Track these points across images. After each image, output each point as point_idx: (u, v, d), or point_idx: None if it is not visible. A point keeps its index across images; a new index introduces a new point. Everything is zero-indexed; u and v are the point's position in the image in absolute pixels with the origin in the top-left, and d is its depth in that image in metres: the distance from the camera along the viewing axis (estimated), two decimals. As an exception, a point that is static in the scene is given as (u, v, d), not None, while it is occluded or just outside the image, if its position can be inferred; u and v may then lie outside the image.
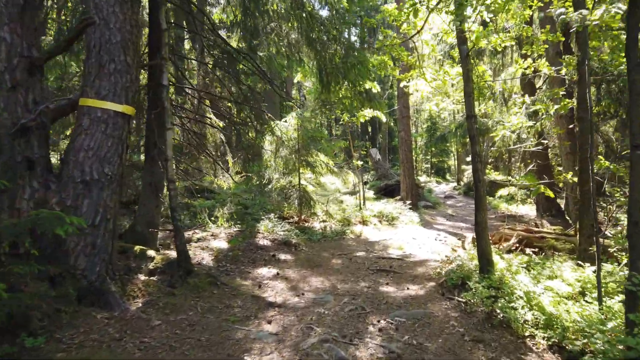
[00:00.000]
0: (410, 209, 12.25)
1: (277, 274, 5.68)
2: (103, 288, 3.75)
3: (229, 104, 8.24)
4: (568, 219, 11.95)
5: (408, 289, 5.14)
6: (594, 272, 4.18)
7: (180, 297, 4.30)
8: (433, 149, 37.87)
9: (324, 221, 9.15)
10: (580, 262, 5.24)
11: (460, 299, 4.56)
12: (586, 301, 4.01)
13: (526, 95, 9.57)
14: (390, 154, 24.92)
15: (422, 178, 34.73)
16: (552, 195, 8.03)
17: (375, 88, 9.51)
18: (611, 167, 5.49)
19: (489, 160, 24.40)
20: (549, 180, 8.85)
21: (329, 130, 28.54)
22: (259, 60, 7.44)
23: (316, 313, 4.16)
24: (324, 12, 9.26)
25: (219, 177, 9.08)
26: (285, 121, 8.79)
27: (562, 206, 12.24)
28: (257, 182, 8.47)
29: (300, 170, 9.06)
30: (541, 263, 5.34)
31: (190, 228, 7.45)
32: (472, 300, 4.26)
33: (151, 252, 5.12)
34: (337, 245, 7.69)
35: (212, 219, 7.73)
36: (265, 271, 5.77)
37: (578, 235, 6.29)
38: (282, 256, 6.58)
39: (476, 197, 5.46)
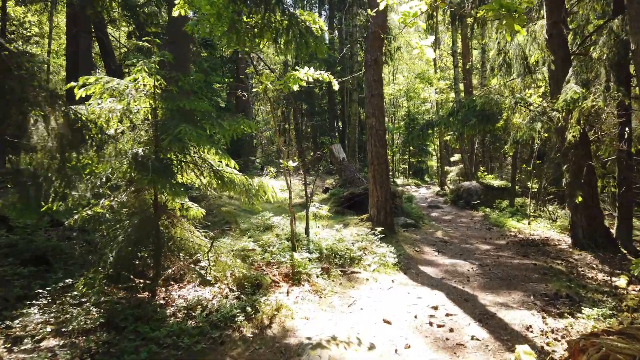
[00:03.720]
0: (382, 236, 7.80)
1: None
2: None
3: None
4: (624, 252, 7.79)
5: None
6: None
7: None
8: (411, 147, 33.99)
9: (207, 283, 4.54)
10: None
11: None
12: None
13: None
14: (361, 153, 20.49)
15: (400, 180, 30.68)
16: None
17: (314, 22, 5.00)
18: None
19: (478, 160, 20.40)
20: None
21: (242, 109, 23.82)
22: None
23: None
24: None
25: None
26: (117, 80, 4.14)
27: (613, 232, 8.05)
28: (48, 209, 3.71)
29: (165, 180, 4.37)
30: None
31: None
32: None
33: None
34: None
35: None
36: None
37: None
38: None
39: None
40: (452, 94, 18.39)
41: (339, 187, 13.13)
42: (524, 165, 13.10)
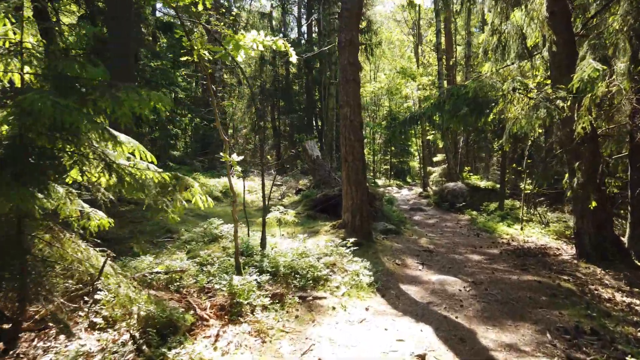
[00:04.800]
0: (357, 246, 6.51)
1: None
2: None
3: None
4: (639, 264, 6.69)
5: None
6: None
7: None
8: (392, 148, 32.94)
9: (70, 335, 3.12)
10: None
11: None
12: None
13: None
14: (338, 151, 19.10)
15: (381, 181, 29.55)
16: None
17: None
18: None
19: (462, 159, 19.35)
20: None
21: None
22: None
23: None
24: None
25: None
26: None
27: (625, 240, 6.96)
28: None
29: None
30: None
31: None
32: None
33: None
34: None
35: None
36: None
37: None
38: None
39: None
40: (435, 92, 17.31)
41: (313, 188, 11.79)
42: (514, 165, 12.03)
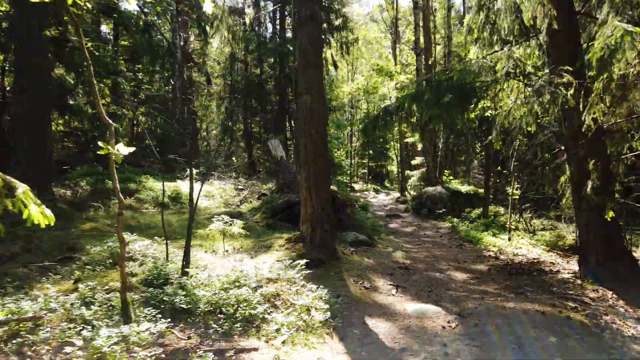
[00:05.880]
0: (317, 266, 5.16)
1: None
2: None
3: None
4: (654, 285, 5.58)
5: None
6: None
7: None
8: (370, 151, 31.84)
9: None
10: None
11: None
12: None
13: None
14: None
15: (358, 186, 28.32)
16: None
17: None
18: None
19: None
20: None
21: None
22: None
23: None
24: None
25: None
26: None
27: (638, 257, 5.84)
28: None
29: None
30: None
31: None
32: None
33: None
34: None
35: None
36: None
37: None
38: None
39: None
40: (413, 85, 16.21)
41: (276, 192, 10.38)
42: (499, 167, 10.96)
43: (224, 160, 15.76)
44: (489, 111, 9.34)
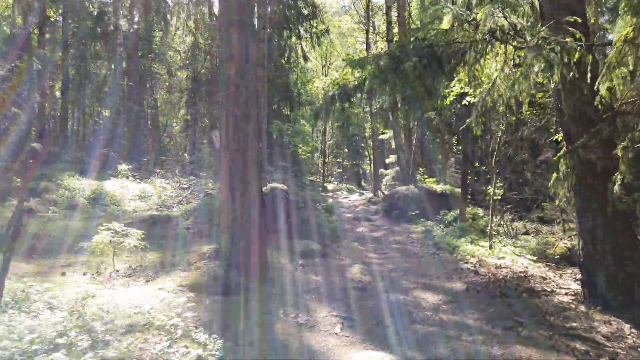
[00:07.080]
0: (235, 288, 3.60)
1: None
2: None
3: None
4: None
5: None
6: None
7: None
8: (346, 150, 30.51)
9: None
10: None
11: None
12: None
13: None
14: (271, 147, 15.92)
15: (331, 185, 26.88)
16: None
17: None
18: None
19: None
20: None
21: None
22: None
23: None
24: None
25: None
26: None
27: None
28: None
29: None
30: None
31: None
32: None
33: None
34: None
35: None
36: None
37: None
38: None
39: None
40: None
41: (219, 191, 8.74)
42: (477, 164, 9.65)
43: (175, 156, 13.99)
44: (467, 98, 8.03)
